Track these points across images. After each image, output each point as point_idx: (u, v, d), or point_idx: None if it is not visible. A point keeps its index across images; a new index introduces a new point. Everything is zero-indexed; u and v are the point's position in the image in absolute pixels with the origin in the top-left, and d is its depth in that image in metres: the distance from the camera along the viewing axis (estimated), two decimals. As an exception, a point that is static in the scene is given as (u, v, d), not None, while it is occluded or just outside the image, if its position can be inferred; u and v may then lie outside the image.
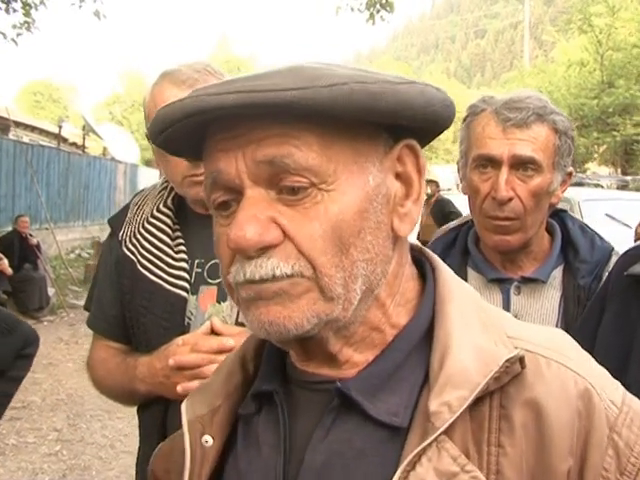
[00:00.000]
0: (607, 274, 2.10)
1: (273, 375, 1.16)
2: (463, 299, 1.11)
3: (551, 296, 2.25)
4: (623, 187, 23.19)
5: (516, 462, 0.96)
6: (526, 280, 2.26)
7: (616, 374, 1.10)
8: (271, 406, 1.13)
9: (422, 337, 1.08)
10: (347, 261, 1.00)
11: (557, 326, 2.17)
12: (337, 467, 1.02)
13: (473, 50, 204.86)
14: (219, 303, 2.26)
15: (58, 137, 22.99)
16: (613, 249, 2.29)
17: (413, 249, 1.18)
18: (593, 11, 29.10)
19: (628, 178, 25.72)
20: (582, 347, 1.12)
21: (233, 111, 0.96)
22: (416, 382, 1.05)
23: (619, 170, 30.51)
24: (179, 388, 2.07)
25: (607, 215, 10.01)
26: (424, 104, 1.02)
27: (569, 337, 1.12)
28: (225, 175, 1.01)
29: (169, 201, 2.39)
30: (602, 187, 20.14)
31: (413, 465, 0.95)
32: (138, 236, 2.37)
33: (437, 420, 0.95)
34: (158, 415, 2.27)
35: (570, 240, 2.31)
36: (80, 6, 14.96)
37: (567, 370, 1.02)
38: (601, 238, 2.34)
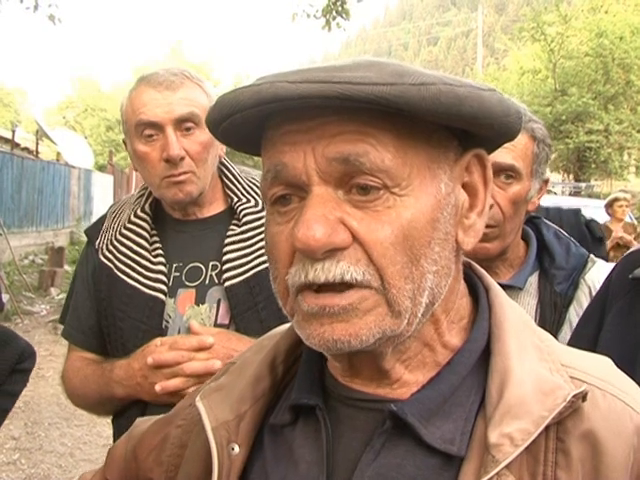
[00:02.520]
0: (606, 278, 2.05)
1: (313, 387, 1.09)
2: (519, 323, 1.07)
3: (527, 303, 2.25)
4: (576, 193, 23.58)
5: None
6: (502, 287, 2.20)
7: None
8: (309, 419, 1.08)
9: (477, 360, 1.04)
10: (417, 272, 0.94)
11: None
12: None
13: (425, 57, 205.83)
14: (197, 306, 2.27)
15: (12, 142, 22.60)
16: (589, 255, 2.30)
17: (462, 264, 1.11)
18: (545, 20, 29.45)
19: (582, 184, 26.12)
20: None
21: (314, 102, 0.89)
22: (472, 408, 1.00)
23: (572, 177, 30.88)
24: (158, 387, 2.09)
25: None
26: (502, 113, 0.97)
27: (614, 365, 1.09)
28: (291, 170, 0.95)
29: (146, 207, 2.40)
30: (555, 194, 20.42)
31: None
32: (115, 243, 2.36)
33: (498, 453, 0.91)
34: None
35: (545, 247, 2.32)
36: (35, 10, 14.79)
37: (622, 404, 0.99)
38: (576, 244, 2.35)
